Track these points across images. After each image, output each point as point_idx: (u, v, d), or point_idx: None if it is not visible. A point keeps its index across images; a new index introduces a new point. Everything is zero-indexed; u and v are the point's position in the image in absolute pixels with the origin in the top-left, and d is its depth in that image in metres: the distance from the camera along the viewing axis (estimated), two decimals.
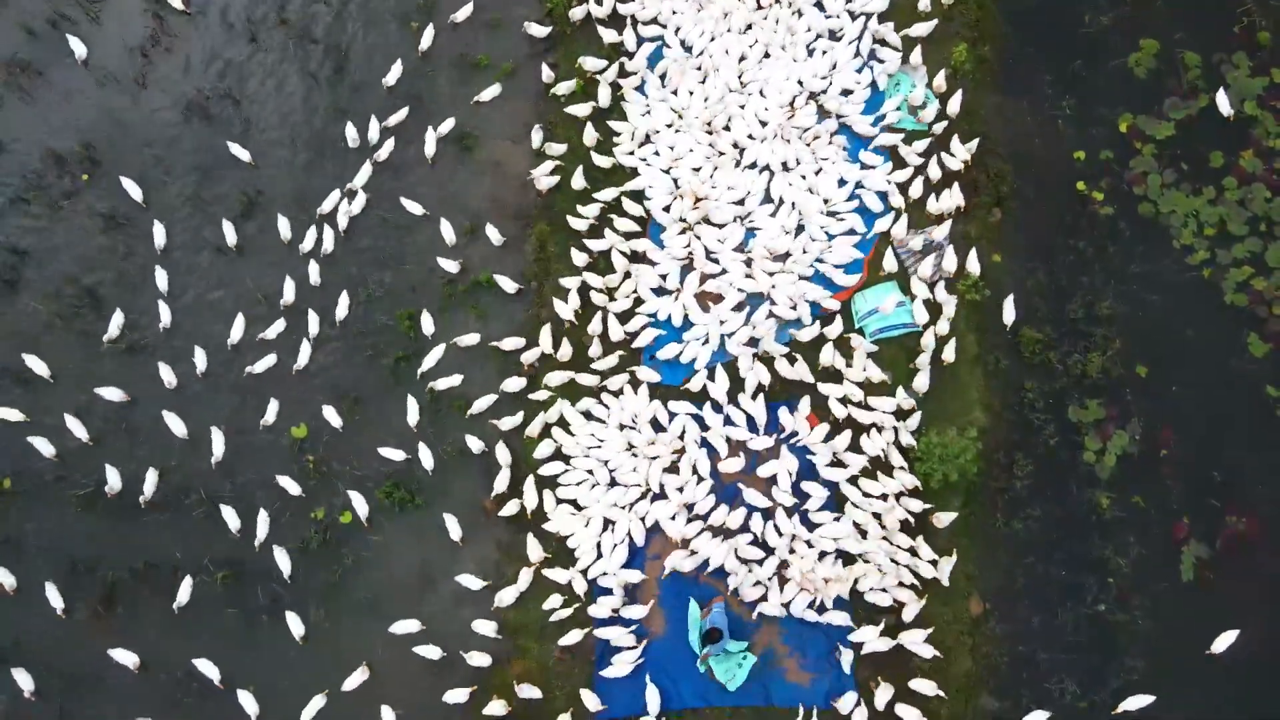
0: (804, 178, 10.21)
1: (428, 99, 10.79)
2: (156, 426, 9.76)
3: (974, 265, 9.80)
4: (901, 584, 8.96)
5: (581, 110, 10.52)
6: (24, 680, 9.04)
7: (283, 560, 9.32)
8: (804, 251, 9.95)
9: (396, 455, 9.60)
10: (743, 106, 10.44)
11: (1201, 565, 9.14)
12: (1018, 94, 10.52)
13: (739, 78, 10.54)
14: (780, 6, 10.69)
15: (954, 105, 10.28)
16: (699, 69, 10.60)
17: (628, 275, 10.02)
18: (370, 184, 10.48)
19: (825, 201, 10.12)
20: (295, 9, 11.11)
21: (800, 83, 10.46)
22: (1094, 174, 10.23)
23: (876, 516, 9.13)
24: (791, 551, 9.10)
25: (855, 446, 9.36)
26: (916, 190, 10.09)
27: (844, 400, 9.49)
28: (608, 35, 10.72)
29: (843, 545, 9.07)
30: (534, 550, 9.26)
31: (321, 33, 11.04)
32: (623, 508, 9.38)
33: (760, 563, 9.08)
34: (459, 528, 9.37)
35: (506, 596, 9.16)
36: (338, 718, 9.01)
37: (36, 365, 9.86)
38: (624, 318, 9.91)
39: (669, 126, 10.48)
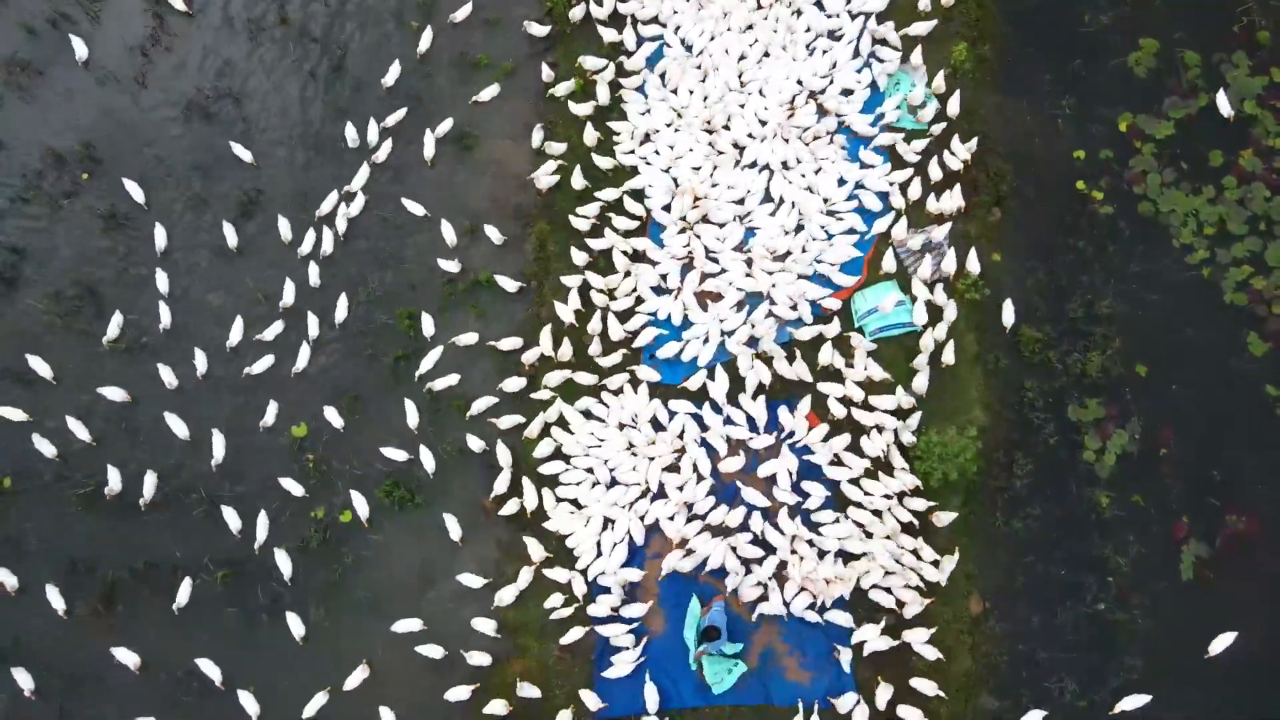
0: (804, 177, 10.22)
1: (427, 99, 10.79)
2: (157, 427, 9.76)
3: (974, 264, 9.81)
4: (907, 585, 8.96)
5: (582, 109, 10.53)
6: (24, 680, 9.04)
7: (283, 560, 9.32)
8: (803, 250, 9.97)
9: (397, 455, 9.60)
10: (742, 106, 10.44)
11: (1201, 564, 9.15)
12: (1017, 94, 10.52)
13: (739, 77, 10.54)
14: (780, 6, 10.69)
15: (954, 105, 10.29)
16: (699, 68, 10.61)
17: (628, 274, 10.03)
18: (370, 184, 10.47)
19: (825, 201, 10.13)
20: (295, 8, 11.10)
21: (800, 82, 10.46)
22: (1094, 173, 10.23)
23: (877, 515, 9.14)
24: (793, 552, 9.11)
25: (856, 447, 9.37)
26: (916, 191, 10.09)
27: (844, 400, 9.50)
28: (607, 35, 10.72)
29: (845, 545, 9.07)
30: (535, 550, 9.27)
31: (321, 32, 11.04)
32: (623, 507, 9.38)
33: (760, 562, 9.10)
34: (459, 527, 9.38)
35: (506, 595, 9.17)
36: (338, 717, 9.02)
37: (38, 366, 9.86)
38: (624, 317, 9.92)
39: (669, 126, 10.49)
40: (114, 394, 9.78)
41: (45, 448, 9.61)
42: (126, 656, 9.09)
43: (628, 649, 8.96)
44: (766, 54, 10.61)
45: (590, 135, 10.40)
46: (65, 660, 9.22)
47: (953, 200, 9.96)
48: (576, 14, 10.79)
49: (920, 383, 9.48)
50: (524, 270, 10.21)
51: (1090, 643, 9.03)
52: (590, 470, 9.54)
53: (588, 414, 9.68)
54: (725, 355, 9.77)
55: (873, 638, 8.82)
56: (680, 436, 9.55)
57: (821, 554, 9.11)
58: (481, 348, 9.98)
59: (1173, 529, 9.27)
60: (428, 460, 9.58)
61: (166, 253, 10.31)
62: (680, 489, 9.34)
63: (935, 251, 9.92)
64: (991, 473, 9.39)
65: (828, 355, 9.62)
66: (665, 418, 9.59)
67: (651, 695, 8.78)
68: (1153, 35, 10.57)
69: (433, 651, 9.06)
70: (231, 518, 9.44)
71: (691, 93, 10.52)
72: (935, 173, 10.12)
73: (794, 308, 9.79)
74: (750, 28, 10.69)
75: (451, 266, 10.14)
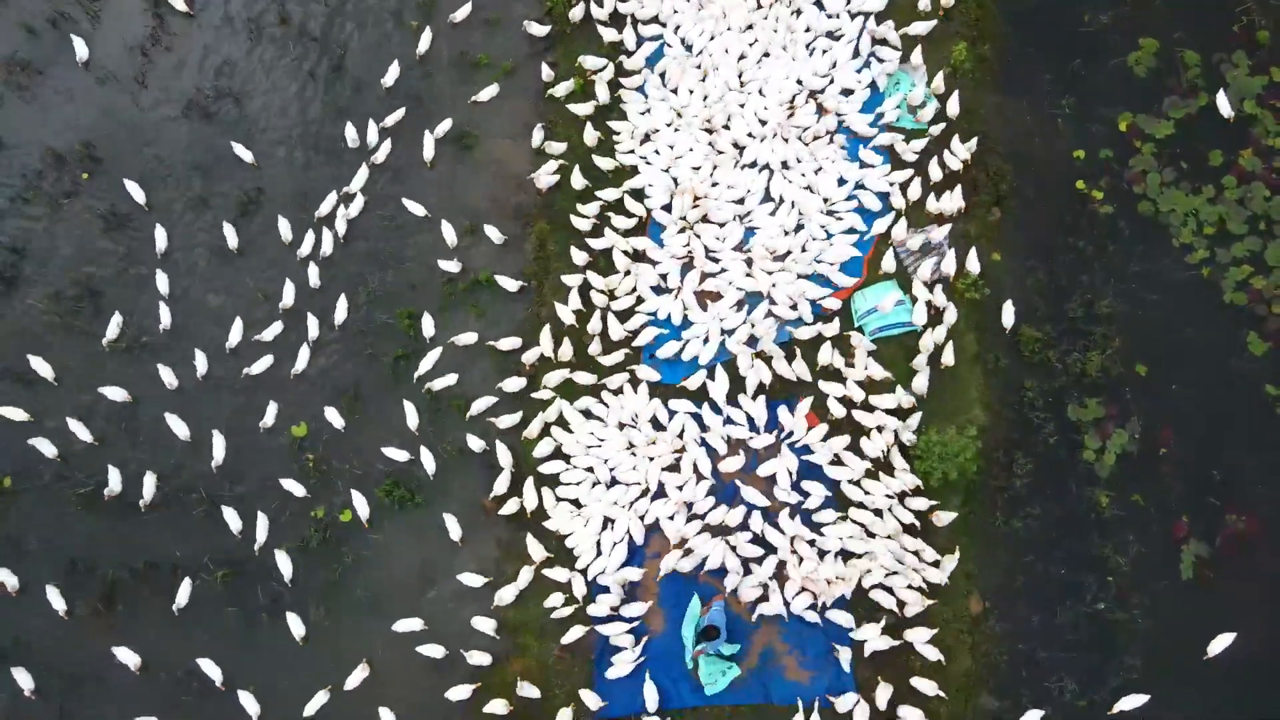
0: (804, 176, 10.22)
1: (427, 99, 10.79)
2: (157, 427, 9.76)
3: (974, 264, 9.81)
4: (909, 586, 8.96)
5: (582, 109, 10.53)
6: (24, 680, 9.04)
7: (283, 560, 9.32)
8: (803, 250, 9.97)
9: (397, 455, 9.59)
10: (742, 105, 10.44)
11: (1201, 564, 9.15)
12: (1017, 93, 10.51)
13: (739, 77, 10.54)
14: (780, 6, 10.69)
15: (953, 105, 10.29)
16: (699, 68, 10.61)
17: (628, 274, 10.03)
18: (370, 184, 10.47)
19: (825, 201, 10.13)
20: (295, 8, 11.10)
21: (800, 82, 10.46)
22: (1093, 173, 10.23)
23: (878, 514, 9.14)
24: (793, 552, 9.11)
25: (856, 447, 9.37)
26: (916, 191, 10.09)
27: (844, 400, 9.50)
28: (607, 34, 10.72)
29: (847, 545, 9.07)
30: (535, 550, 9.27)
31: (320, 32, 11.03)
32: (622, 506, 9.39)
33: (759, 561, 9.10)
34: (459, 527, 9.38)
35: (506, 595, 9.17)
36: (338, 717, 9.02)
37: (39, 366, 9.86)
38: (624, 316, 9.92)
39: (669, 125, 10.49)
40: (114, 394, 9.78)
41: (46, 448, 9.61)
42: (127, 656, 9.09)
43: (628, 649, 8.96)
44: (766, 54, 10.61)
45: (590, 135, 10.40)
46: (65, 660, 9.22)
47: (953, 200, 9.95)
48: (576, 14, 10.79)
49: (920, 382, 9.48)
50: (524, 270, 10.21)
51: (1090, 642, 9.03)
52: (590, 470, 9.54)
53: (588, 414, 9.68)
54: (725, 355, 9.78)
55: (873, 637, 8.82)
56: (680, 436, 9.55)
57: (822, 554, 9.11)
58: (481, 348, 9.98)
59: (1173, 529, 9.27)
60: (428, 460, 9.58)
61: (166, 253, 10.31)
62: (680, 488, 9.34)
63: (935, 251, 9.92)
64: (991, 472, 9.39)
65: (828, 355, 9.62)
66: (665, 417, 9.59)
67: (651, 695, 8.78)
68: (1153, 35, 10.57)
69: (433, 651, 9.06)
70: (231, 518, 9.44)
71: (691, 92, 10.51)
72: (935, 173, 10.12)
73: (794, 307, 9.79)
74: (750, 27, 10.69)
75: (451, 266, 10.14)
